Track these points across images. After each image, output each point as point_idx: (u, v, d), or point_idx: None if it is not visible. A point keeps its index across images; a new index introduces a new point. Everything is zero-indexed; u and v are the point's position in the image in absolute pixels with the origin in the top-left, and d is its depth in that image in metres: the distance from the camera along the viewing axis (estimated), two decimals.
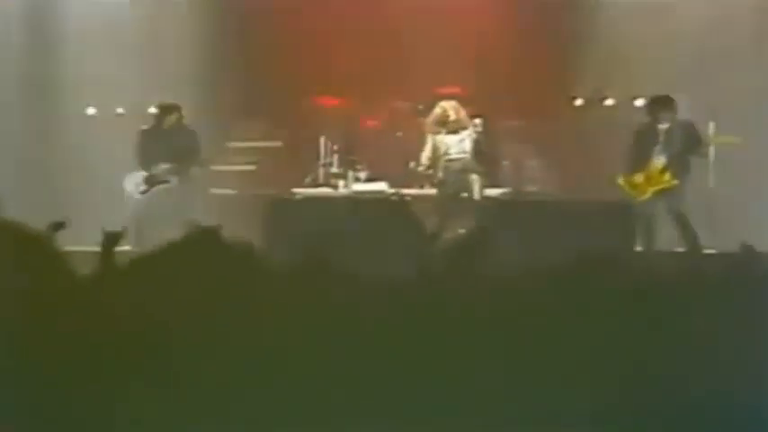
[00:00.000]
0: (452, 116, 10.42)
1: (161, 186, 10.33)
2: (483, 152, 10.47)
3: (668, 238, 9.75)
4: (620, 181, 9.81)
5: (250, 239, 4.26)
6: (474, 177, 10.38)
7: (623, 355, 3.68)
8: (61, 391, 3.51)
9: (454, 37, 11.37)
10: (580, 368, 3.65)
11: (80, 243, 4.78)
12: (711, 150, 10.52)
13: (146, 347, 3.58)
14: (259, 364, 3.61)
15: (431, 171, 10.59)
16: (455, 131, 10.42)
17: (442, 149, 10.41)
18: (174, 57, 11.57)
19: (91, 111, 11.94)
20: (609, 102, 11.97)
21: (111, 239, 4.03)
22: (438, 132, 10.46)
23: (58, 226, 4.07)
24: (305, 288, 3.89)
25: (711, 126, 10.57)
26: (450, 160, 10.40)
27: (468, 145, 10.40)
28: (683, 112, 10.02)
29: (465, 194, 10.37)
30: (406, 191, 11.06)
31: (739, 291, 3.91)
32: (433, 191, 10.86)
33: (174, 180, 10.34)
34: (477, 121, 10.61)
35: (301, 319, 3.72)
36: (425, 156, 10.54)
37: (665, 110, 9.84)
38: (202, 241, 3.94)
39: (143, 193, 10.31)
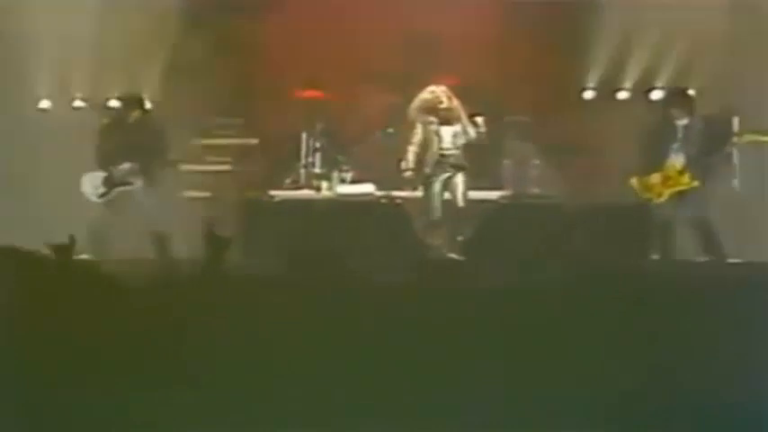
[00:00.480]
0: (445, 103, 9.52)
1: (123, 189, 9.73)
2: (476, 148, 9.61)
3: (687, 246, 9.41)
4: (633, 182, 9.42)
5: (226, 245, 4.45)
6: (459, 178, 9.49)
7: (628, 362, 3.83)
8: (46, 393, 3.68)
9: (449, 24, 10.95)
10: (581, 371, 3.78)
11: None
12: (736, 149, 10.16)
13: (138, 352, 3.76)
14: (241, 369, 3.77)
15: (416, 173, 9.67)
16: (448, 122, 9.51)
17: (435, 144, 9.49)
18: (141, 45, 11.14)
19: (45, 104, 11.56)
20: (622, 95, 11.70)
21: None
22: (429, 123, 9.54)
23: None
24: (284, 296, 4.00)
25: (736, 122, 10.25)
26: (444, 155, 9.50)
27: (461, 141, 9.49)
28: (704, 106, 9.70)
29: (449, 196, 9.57)
30: (396, 193, 10.48)
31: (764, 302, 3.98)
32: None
33: (138, 182, 9.74)
34: (479, 119, 9.68)
35: (280, 328, 3.86)
36: (412, 151, 9.61)
37: (684, 104, 9.46)
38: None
39: (102, 196, 9.71)
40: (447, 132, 9.55)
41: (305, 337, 3.83)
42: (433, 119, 9.57)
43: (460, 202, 9.41)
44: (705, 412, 3.72)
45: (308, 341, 3.82)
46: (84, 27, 10.91)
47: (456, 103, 9.57)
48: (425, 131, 9.58)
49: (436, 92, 9.57)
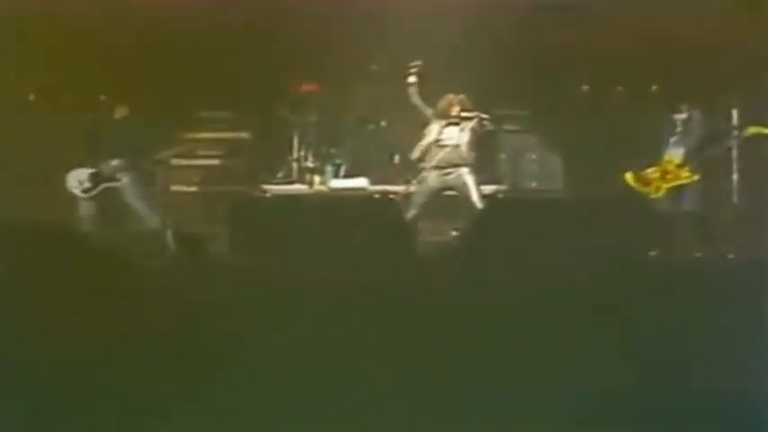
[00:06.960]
0: (458, 109, 10.14)
1: (109, 185, 9.90)
2: (479, 142, 10.13)
3: (686, 242, 9.52)
4: (629, 177, 9.60)
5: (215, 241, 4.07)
6: (465, 173, 9.98)
7: (627, 359, 3.96)
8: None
9: (443, 13, 11.02)
10: (581, 368, 3.89)
11: None
12: (736, 143, 10.30)
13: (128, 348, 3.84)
14: (231, 367, 3.84)
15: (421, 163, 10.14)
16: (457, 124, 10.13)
17: (435, 137, 10.05)
18: (130, 35, 11.09)
19: (32, 97, 11.61)
20: (620, 87, 11.84)
21: None
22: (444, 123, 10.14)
23: None
24: (275, 294, 4.15)
25: (735, 114, 10.33)
26: (441, 146, 10.01)
27: (466, 135, 10.03)
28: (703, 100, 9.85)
29: (454, 192, 10.00)
30: (390, 188, 10.74)
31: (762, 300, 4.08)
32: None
33: (126, 177, 9.91)
34: (485, 114, 10.23)
35: (271, 327, 3.96)
36: (422, 143, 10.12)
37: (683, 97, 9.67)
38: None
39: (86, 191, 9.87)
40: (453, 130, 10.08)
41: (296, 334, 3.91)
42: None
43: (477, 203, 9.84)
44: (704, 410, 3.85)
45: (299, 338, 3.90)
46: (73, 19, 10.86)
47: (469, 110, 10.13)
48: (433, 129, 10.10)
49: (451, 99, 10.18)
